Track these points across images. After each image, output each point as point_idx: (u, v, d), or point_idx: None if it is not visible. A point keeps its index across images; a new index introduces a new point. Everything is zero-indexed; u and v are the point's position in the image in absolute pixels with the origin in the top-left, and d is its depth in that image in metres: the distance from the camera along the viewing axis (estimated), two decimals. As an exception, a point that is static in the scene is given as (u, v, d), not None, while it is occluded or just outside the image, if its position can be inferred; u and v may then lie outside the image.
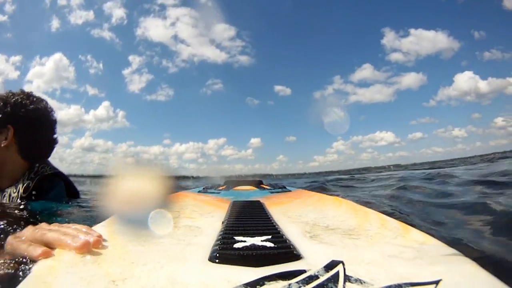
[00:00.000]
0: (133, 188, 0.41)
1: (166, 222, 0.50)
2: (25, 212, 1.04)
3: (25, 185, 1.09)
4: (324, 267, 0.36)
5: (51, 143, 1.25)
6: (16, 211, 1.04)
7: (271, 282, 0.32)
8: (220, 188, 1.53)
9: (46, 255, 0.40)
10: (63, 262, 0.39)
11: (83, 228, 0.48)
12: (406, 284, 0.32)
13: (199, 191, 1.33)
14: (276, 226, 0.56)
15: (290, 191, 1.36)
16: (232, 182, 1.70)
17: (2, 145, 1.11)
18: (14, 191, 1.09)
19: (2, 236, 0.57)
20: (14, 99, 1.15)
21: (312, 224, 0.60)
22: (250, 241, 0.45)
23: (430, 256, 0.40)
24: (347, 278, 0.33)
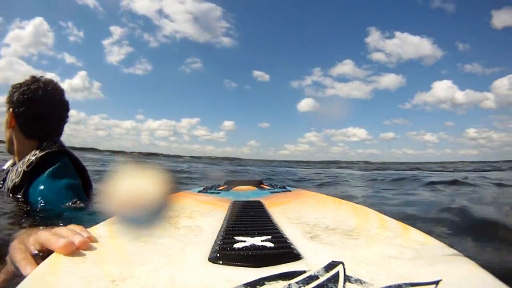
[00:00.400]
0: (133, 188, 0.41)
1: (166, 222, 0.50)
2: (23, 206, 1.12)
3: (30, 160, 1.18)
4: (324, 267, 0.36)
5: (53, 121, 1.32)
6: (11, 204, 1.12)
7: (271, 282, 0.32)
8: (220, 188, 1.53)
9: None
10: (63, 262, 0.39)
11: (77, 228, 0.49)
12: (406, 284, 0.32)
13: (199, 191, 1.33)
14: (276, 226, 0.56)
15: (290, 191, 1.36)
16: (232, 182, 1.70)
17: (9, 126, 1.27)
18: (21, 166, 1.19)
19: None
20: (15, 84, 1.27)
21: (312, 225, 0.60)
22: (250, 241, 0.45)
23: (430, 256, 0.40)
24: (347, 278, 0.33)
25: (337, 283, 0.32)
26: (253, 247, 0.42)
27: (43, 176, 1.16)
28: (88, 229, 0.51)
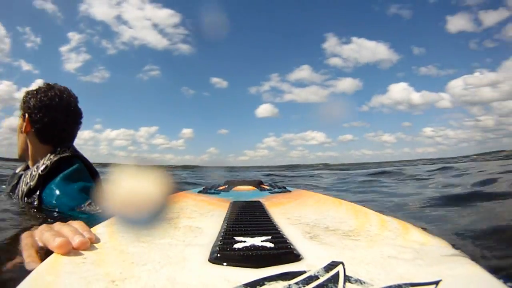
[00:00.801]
0: (133, 188, 0.41)
1: (166, 222, 0.50)
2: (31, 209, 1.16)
3: (44, 165, 1.21)
4: (324, 267, 0.36)
5: (68, 126, 1.36)
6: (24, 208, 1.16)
7: (271, 283, 0.32)
8: (220, 188, 1.53)
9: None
10: (63, 262, 0.39)
11: (81, 227, 0.49)
12: (406, 284, 0.32)
13: (199, 192, 1.33)
14: (276, 227, 0.56)
15: (290, 191, 1.36)
16: (232, 183, 1.70)
17: (24, 131, 1.28)
18: (36, 170, 1.22)
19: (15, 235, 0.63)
20: (31, 91, 1.31)
21: (312, 225, 0.60)
22: (250, 241, 0.45)
23: (430, 256, 0.40)
24: (347, 279, 0.33)
25: (337, 283, 0.32)
26: (253, 247, 0.42)
27: (56, 179, 1.19)
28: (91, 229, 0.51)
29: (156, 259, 0.39)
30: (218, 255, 0.40)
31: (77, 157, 1.29)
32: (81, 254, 0.41)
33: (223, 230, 0.53)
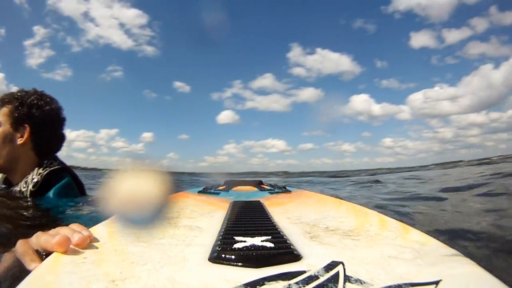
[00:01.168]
0: (133, 188, 0.41)
1: (166, 222, 0.50)
2: (34, 211, 1.12)
3: (34, 180, 1.18)
4: (324, 267, 0.36)
5: (61, 139, 1.34)
6: (25, 210, 1.12)
7: (271, 283, 0.32)
8: (220, 188, 1.53)
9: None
10: (63, 262, 0.39)
11: (78, 227, 0.50)
12: (406, 284, 0.32)
13: (199, 192, 1.33)
14: (276, 227, 0.56)
15: (290, 191, 1.36)
16: (232, 182, 1.70)
17: (19, 142, 1.21)
18: (24, 186, 1.18)
19: (12, 237, 0.60)
20: (29, 99, 1.23)
21: (312, 225, 0.60)
22: (250, 241, 0.45)
23: (430, 256, 0.40)
24: (347, 279, 0.33)
25: (337, 283, 0.32)
26: (253, 247, 0.42)
27: (49, 195, 1.18)
28: (88, 229, 0.51)
29: (156, 259, 0.39)
30: (218, 255, 0.40)
31: (65, 169, 1.27)
32: (81, 254, 0.41)
33: (223, 230, 0.53)
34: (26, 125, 1.21)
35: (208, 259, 0.39)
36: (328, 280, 0.33)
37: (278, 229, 0.53)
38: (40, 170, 1.19)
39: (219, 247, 0.42)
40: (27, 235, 0.54)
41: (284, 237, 0.48)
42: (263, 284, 0.32)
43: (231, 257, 0.39)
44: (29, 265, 0.45)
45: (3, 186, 1.30)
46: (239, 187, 1.60)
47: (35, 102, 1.23)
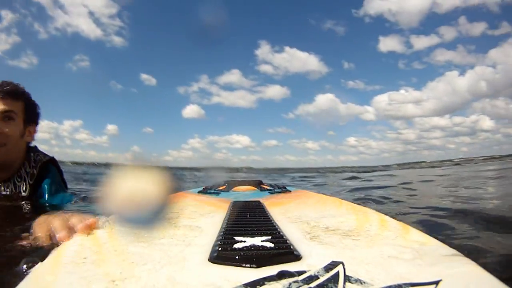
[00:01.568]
0: (133, 188, 0.41)
1: (166, 222, 0.49)
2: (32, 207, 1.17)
3: (30, 173, 1.21)
4: (324, 267, 0.36)
5: None
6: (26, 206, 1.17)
7: (271, 282, 0.32)
8: (220, 188, 1.53)
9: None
10: (63, 262, 0.39)
11: (82, 216, 0.59)
12: (406, 284, 0.32)
13: (199, 192, 1.32)
14: (276, 227, 0.56)
15: (290, 191, 1.36)
16: (232, 183, 1.70)
17: (26, 139, 1.24)
18: (19, 180, 1.21)
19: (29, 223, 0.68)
20: (31, 99, 1.26)
21: (312, 225, 0.60)
22: (250, 241, 0.45)
23: (430, 256, 0.40)
24: (347, 279, 0.33)
25: (337, 283, 0.32)
26: (253, 247, 0.42)
27: (45, 188, 1.24)
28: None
29: (156, 259, 0.39)
30: (218, 255, 0.40)
31: (52, 161, 1.32)
32: (81, 254, 0.41)
33: (223, 230, 0.53)
34: (34, 124, 1.27)
35: (208, 259, 0.39)
36: (328, 280, 0.33)
37: (278, 229, 0.53)
38: (32, 163, 1.24)
39: (219, 247, 0.42)
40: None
41: (284, 237, 0.48)
42: (263, 284, 0.32)
43: (231, 257, 0.39)
44: (44, 242, 0.57)
45: None
46: (239, 187, 1.60)
47: (32, 100, 1.27)
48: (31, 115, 1.24)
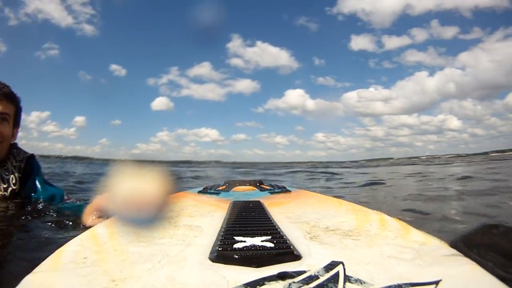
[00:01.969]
0: (133, 188, 0.41)
1: (166, 222, 0.50)
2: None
3: (17, 166, 1.24)
4: (324, 267, 0.36)
5: None
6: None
7: (271, 282, 0.32)
8: (220, 188, 1.53)
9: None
10: (63, 262, 0.39)
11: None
12: (406, 284, 0.32)
13: (199, 192, 1.33)
14: (276, 227, 0.56)
15: (290, 191, 1.36)
16: (232, 182, 1.70)
17: (13, 140, 1.26)
18: (7, 173, 1.23)
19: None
20: (17, 97, 1.27)
21: (312, 225, 0.60)
22: (250, 241, 0.45)
23: (430, 256, 0.40)
24: (347, 278, 0.33)
25: (337, 283, 0.32)
26: (253, 247, 0.42)
27: (37, 183, 1.28)
28: (88, 230, 0.53)
29: (156, 259, 0.40)
30: (218, 254, 0.40)
31: (33, 156, 1.35)
32: (81, 254, 0.41)
33: (223, 230, 0.53)
34: (18, 126, 1.29)
35: (208, 259, 0.39)
36: (328, 280, 0.33)
37: (278, 229, 0.53)
38: (18, 158, 1.27)
39: (219, 247, 0.42)
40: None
41: (284, 237, 0.48)
42: (263, 284, 0.32)
43: (231, 257, 0.39)
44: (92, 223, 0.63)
45: None
46: (239, 187, 1.60)
47: (18, 97, 1.29)
48: (19, 118, 1.29)
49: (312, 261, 0.39)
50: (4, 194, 1.21)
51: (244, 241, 0.45)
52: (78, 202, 1.26)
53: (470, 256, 0.40)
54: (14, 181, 1.23)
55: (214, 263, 0.38)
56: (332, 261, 0.38)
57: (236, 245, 0.43)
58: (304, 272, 0.34)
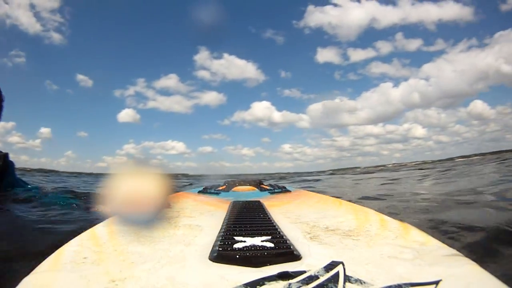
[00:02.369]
0: (133, 188, 0.41)
1: (166, 222, 0.50)
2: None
3: None
4: (324, 267, 0.36)
5: None
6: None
7: (271, 283, 0.32)
8: (220, 188, 1.53)
9: None
10: (63, 262, 0.39)
11: None
12: (406, 284, 0.32)
13: (199, 192, 1.33)
14: (276, 227, 0.56)
15: (290, 191, 1.36)
16: (232, 183, 1.70)
17: None
18: None
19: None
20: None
21: (312, 225, 0.60)
22: (250, 241, 0.45)
23: (430, 256, 0.40)
24: (347, 278, 0.33)
25: (337, 283, 0.32)
26: (253, 247, 0.42)
27: (17, 179, 1.36)
28: (88, 230, 0.52)
29: (156, 259, 0.40)
30: (218, 254, 0.40)
31: (6, 154, 1.37)
32: (81, 254, 0.41)
33: (223, 230, 0.53)
34: None
35: (208, 259, 0.39)
36: (328, 280, 0.33)
37: (278, 229, 0.53)
38: None
39: (219, 247, 0.42)
40: None
41: (284, 237, 0.48)
42: (263, 284, 0.32)
43: (231, 257, 0.39)
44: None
45: None
46: (239, 187, 1.60)
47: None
48: (0, 116, 1.34)
49: (312, 261, 0.39)
50: None
51: (244, 241, 0.45)
52: (61, 195, 1.33)
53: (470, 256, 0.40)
54: None
55: (214, 263, 0.38)
56: (332, 261, 0.38)
57: (236, 245, 0.43)
58: (304, 272, 0.34)
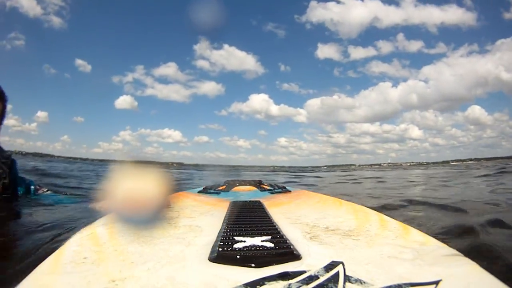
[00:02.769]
0: (133, 187, 0.41)
1: (166, 222, 0.50)
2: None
3: (4, 163, 1.27)
4: (324, 267, 0.36)
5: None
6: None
7: (271, 283, 0.32)
8: (220, 188, 1.53)
9: None
10: (63, 262, 0.39)
11: None
12: (406, 284, 0.32)
13: (198, 192, 1.33)
14: (276, 227, 0.56)
15: (290, 191, 1.36)
16: (232, 183, 1.70)
17: None
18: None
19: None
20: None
21: (312, 225, 0.60)
22: (250, 241, 0.45)
23: (430, 256, 0.40)
24: (347, 279, 0.33)
25: (337, 283, 0.32)
26: (253, 247, 0.42)
27: (21, 179, 1.37)
28: (88, 228, 0.52)
29: (156, 259, 0.40)
30: (218, 254, 0.40)
31: (10, 155, 1.38)
32: (81, 254, 0.41)
33: (223, 230, 0.53)
34: (2, 124, 1.32)
35: (208, 259, 0.39)
36: (328, 280, 0.33)
37: (278, 229, 0.53)
38: (5, 154, 1.30)
39: (219, 247, 0.42)
40: None
41: (284, 237, 0.48)
42: (263, 284, 0.32)
43: (231, 257, 0.39)
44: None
45: None
46: (239, 187, 1.60)
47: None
48: (4, 116, 1.31)
49: (312, 261, 0.39)
50: None
51: (244, 241, 0.45)
52: (58, 195, 1.35)
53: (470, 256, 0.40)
54: (4, 175, 1.26)
55: (214, 263, 0.38)
56: (332, 261, 0.38)
57: (236, 245, 0.43)
58: (304, 272, 0.34)
